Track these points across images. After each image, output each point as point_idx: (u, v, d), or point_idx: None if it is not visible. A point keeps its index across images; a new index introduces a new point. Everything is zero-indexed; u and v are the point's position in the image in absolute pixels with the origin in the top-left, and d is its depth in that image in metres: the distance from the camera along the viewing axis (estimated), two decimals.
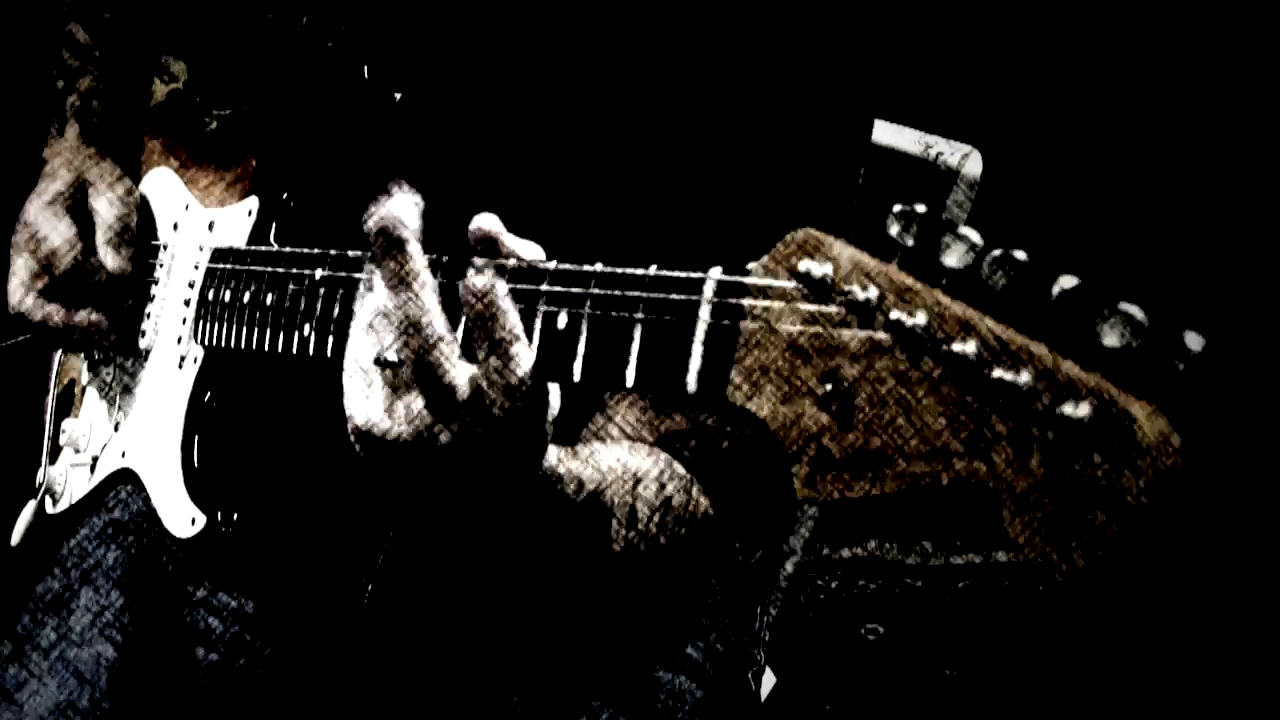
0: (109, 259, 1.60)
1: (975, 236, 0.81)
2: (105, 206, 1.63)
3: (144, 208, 1.70)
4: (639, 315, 0.98)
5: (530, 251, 1.09)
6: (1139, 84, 2.27)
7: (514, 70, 1.37)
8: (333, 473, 1.55)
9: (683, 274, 0.96)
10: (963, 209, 1.72)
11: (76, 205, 1.64)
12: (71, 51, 1.74)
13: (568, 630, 1.44)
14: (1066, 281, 0.75)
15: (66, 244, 1.61)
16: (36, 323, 1.63)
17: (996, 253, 0.79)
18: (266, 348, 1.39)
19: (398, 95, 1.33)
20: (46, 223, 1.63)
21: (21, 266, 1.64)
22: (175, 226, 1.64)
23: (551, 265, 1.06)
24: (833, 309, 0.85)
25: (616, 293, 0.99)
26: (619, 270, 1.01)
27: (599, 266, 1.03)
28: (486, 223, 1.09)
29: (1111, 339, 0.72)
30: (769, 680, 1.54)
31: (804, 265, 0.87)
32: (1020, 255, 0.78)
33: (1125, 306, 0.72)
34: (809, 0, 1.35)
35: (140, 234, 1.65)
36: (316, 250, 1.35)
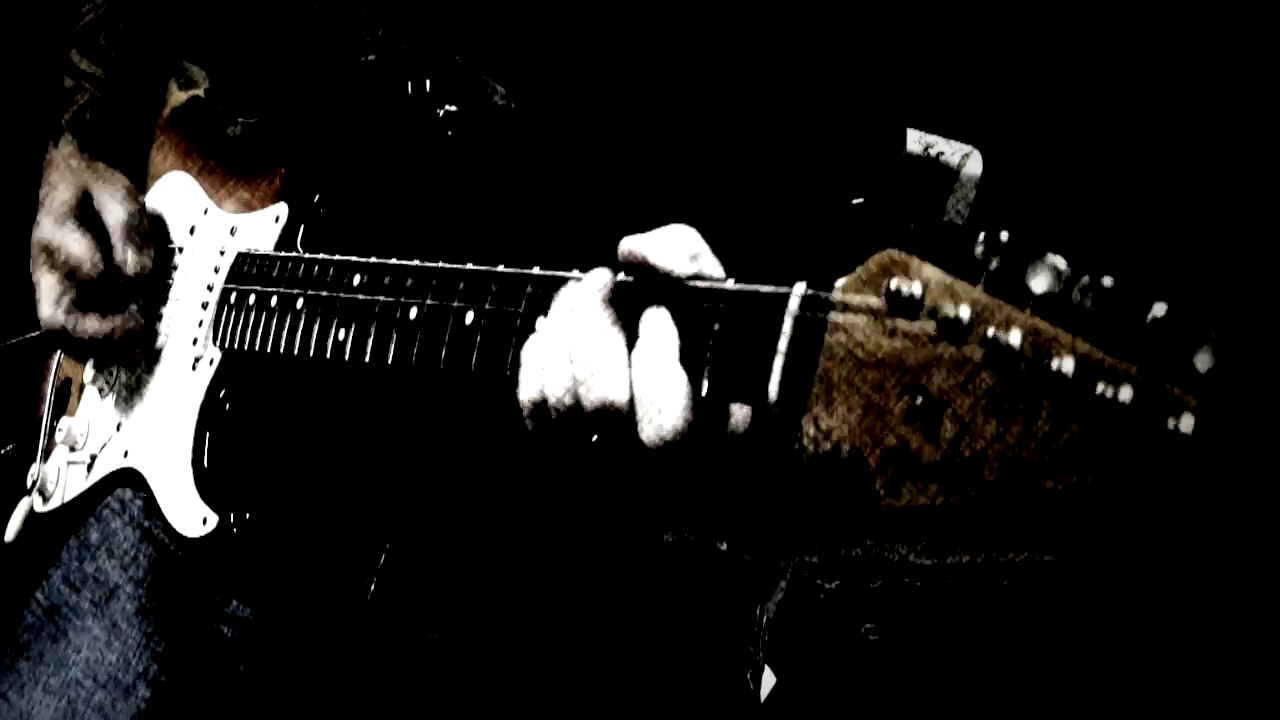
0: (130, 258, 1.60)
1: (1062, 264, 0.87)
2: (113, 209, 1.63)
3: (155, 210, 1.70)
4: (715, 326, 1.03)
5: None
6: (1140, 83, 2.31)
7: (562, 89, 1.41)
8: (349, 474, 1.57)
9: (767, 288, 1.00)
10: (963, 208, 1.75)
11: (84, 214, 1.64)
12: (70, 73, 1.75)
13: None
14: (1159, 309, 0.81)
15: (86, 252, 1.61)
16: (75, 336, 1.61)
17: (1085, 279, 0.86)
18: (296, 351, 1.41)
19: (441, 110, 1.35)
20: (61, 236, 1.63)
21: (47, 284, 1.63)
22: (192, 230, 1.65)
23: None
24: (924, 326, 0.91)
25: (702, 304, 1.04)
26: (700, 283, 1.06)
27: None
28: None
29: (1205, 363, 0.79)
30: (769, 680, 1.59)
31: (894, 284, 0.92)
32: (1108, 281, 0.85)
33: (1217, 334, 0.79)
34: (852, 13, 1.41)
35: (152, 231, 1.66)
36: (353, 258, 1.37)
